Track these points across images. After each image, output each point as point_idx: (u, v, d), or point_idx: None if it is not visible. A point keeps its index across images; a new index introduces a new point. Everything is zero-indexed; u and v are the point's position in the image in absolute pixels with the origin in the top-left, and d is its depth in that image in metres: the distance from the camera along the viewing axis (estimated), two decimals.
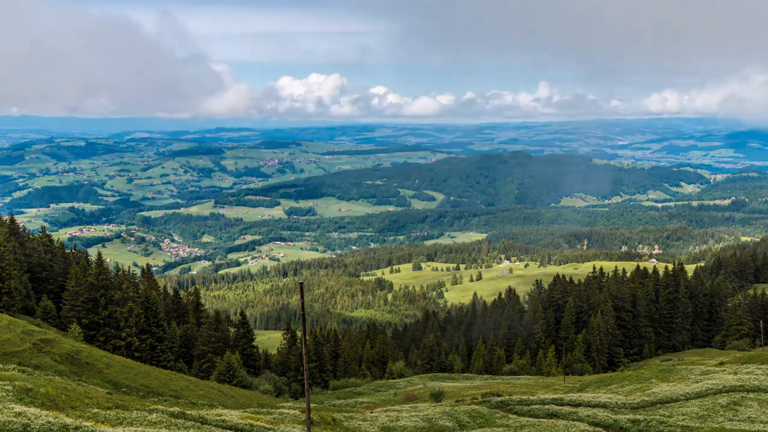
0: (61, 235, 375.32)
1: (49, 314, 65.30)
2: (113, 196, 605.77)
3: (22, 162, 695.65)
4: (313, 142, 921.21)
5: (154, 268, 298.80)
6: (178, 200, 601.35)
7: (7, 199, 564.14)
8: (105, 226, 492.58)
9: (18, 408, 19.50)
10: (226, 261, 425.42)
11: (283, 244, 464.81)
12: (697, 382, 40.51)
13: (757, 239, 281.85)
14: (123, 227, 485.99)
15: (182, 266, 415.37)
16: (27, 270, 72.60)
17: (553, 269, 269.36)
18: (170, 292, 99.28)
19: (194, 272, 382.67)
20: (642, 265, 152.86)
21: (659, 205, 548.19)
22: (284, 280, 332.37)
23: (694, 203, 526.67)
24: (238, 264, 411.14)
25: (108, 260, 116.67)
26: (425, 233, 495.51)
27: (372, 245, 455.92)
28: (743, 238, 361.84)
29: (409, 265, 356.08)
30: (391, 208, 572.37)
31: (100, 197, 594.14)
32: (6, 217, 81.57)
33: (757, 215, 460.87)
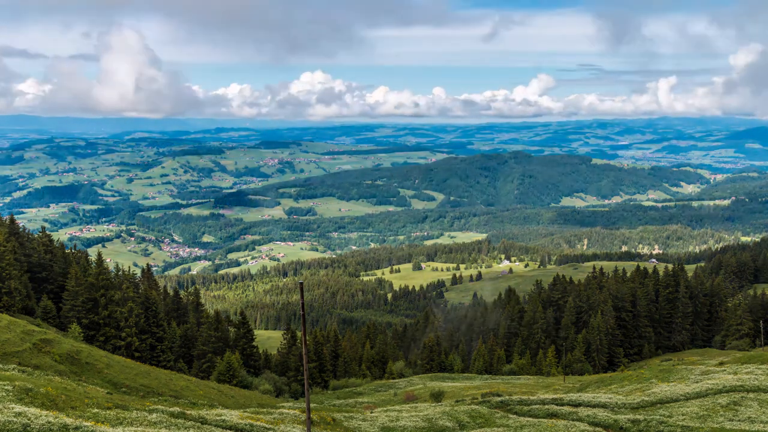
0: (61, 235, 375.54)
1: (49, 314, 65.28)
2: (113, 196, 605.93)
3: (22, 162, 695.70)
4: (313, 142, 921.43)
5: (154, 268, 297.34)
6: (178, 200, 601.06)
7: (7, 199, 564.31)
8: (105, 226, 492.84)
9: (18, 408, 19.49)
10: (226, 261, 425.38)
11: (283, 244, 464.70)
12: (697, 382, 40.50)
13: (757, 239, 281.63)
14: (123, 227, 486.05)
15: (182, 266, 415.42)
16: (27, 270, 72.54)
17: (553, 269, 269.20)
18: (170, 292, 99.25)
19: (194, 272, 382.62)
20: (642, 265, 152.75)
21: (659, 205, 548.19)
22: (284, 280, 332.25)
23: (694, 203, 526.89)
24: (238, 264, 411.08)
25: (108, 260, 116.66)
26: (425, 233, 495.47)
27: (372, 245, 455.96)
28: (743, 238, 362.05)
29: (409, 265, 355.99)
30: (391, 208, 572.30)
31: (100, 197, 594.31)
32: (6, 217, 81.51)
33: (757, 215, 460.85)
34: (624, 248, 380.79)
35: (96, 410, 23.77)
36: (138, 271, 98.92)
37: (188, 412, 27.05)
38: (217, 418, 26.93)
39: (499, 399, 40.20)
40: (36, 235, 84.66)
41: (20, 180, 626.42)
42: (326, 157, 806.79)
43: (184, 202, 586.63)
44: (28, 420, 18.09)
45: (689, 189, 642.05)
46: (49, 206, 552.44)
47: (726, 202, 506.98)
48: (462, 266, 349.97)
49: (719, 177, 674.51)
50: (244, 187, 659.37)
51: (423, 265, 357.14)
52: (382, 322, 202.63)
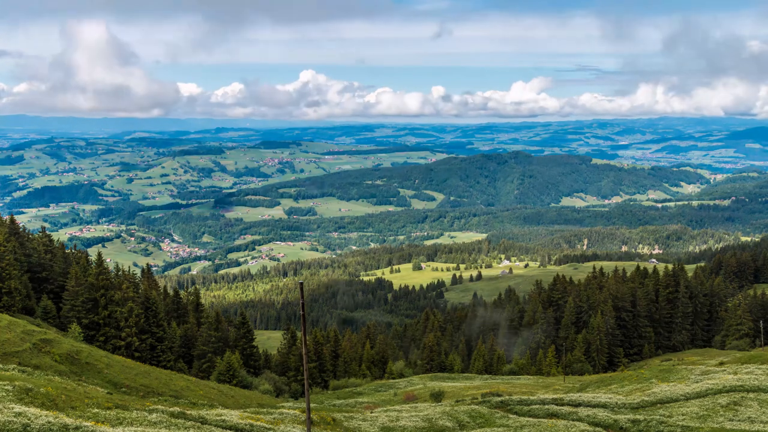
0: (61, 235, 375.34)
1: (49, 314, 65.25)
2: (113, 196, 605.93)
3: (22, 162, 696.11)
4: (313, 142, 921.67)
5: (154, 268, 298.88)
6: (178, 200, 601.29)
7: (7, 199, 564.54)
8: (105, 226, 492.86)
9: (18, 408, 19.49)
10: (226, 261, 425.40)
11: (283, 244, 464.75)
12: (697, 382, 40.50)
13: (757, 239, 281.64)
14: (123, 227, 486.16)
15: (182, 266, 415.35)
16: (27, 270, 72.50)
17: (553, 269, 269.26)
18: (170, 292, 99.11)
19: (194, 272, 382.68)
20: (642, 265, 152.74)
21: (659, 205, 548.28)
22: (284, 280, 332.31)
23: (694, 203, 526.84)
24: (238, 264, 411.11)
25: (108, 260, 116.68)
26: (425, 233, 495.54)
27: (372, 245, 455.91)
28: (743, 238, 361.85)
29: (409, 265, 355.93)
30: (391, 208, 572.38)
31: (100, 197, 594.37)
32: (6, 217, 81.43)
33: (757, 215, 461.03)
34: (624, 248, 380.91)
35: (96, 410, 23.77)
36: (138, 271, 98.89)
37: (188, 412, 27.05)
38: (217, 418, 26.92)
39: (499, 399, 40.20)
40: (36, 235, 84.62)
41: (20, 180, 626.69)
42: (326, 157, 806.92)
43: (184, 202, 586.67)
44: (28, 420, 18.09)
45: (689, 189, 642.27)
46: (49, 206, 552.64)
47: (726, 202, 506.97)
48: (462, 266, 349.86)
49: (719, 177, 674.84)
50: (244, 187, 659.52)
51: (423, 265, 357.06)
52: (382, 322, 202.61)
